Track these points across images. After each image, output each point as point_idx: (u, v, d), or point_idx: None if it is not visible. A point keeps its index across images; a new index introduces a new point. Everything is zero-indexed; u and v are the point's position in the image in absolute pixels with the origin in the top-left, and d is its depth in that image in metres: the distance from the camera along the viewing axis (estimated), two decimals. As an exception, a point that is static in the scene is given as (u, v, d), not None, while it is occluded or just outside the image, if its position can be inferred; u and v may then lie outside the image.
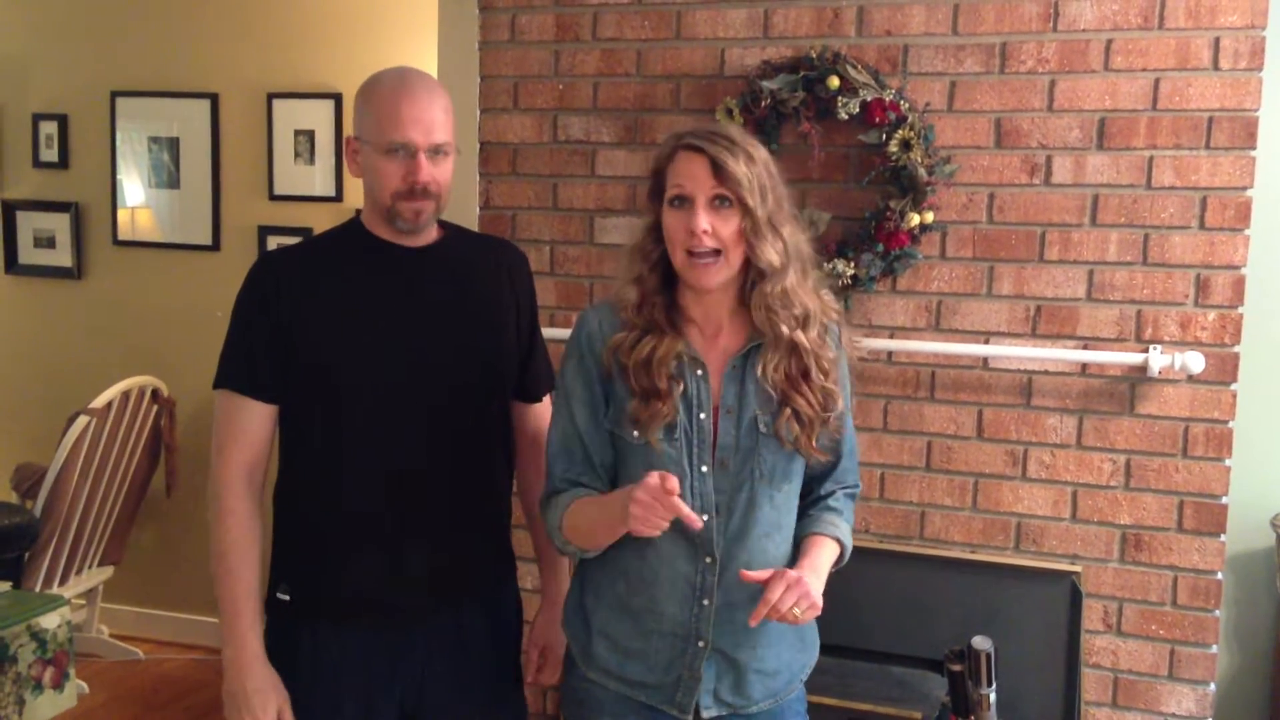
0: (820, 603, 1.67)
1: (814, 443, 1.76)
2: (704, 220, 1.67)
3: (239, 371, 1.88)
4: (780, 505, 1.78)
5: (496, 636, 2.04)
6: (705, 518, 1.71)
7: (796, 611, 1.62)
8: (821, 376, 1.75)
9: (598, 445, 1.79)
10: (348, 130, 3.96)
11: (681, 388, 1.73)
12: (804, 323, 1.74)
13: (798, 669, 1.87)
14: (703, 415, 1.74)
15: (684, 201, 1.69)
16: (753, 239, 1.69)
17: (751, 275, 1.73)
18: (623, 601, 1.80)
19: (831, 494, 1.88)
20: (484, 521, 2.03)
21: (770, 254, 1.69)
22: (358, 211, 1.97)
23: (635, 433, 1.73)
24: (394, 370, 1.88)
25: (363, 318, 1.88)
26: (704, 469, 1.73)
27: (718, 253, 1.69)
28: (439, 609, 1.95)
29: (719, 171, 1.66)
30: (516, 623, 2.11)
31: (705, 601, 1.75)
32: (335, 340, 1.87)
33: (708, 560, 1.74)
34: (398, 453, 1.89)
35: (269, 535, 1.95)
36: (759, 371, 1.74)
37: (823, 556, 1.78)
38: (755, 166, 1.69)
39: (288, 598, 1.93)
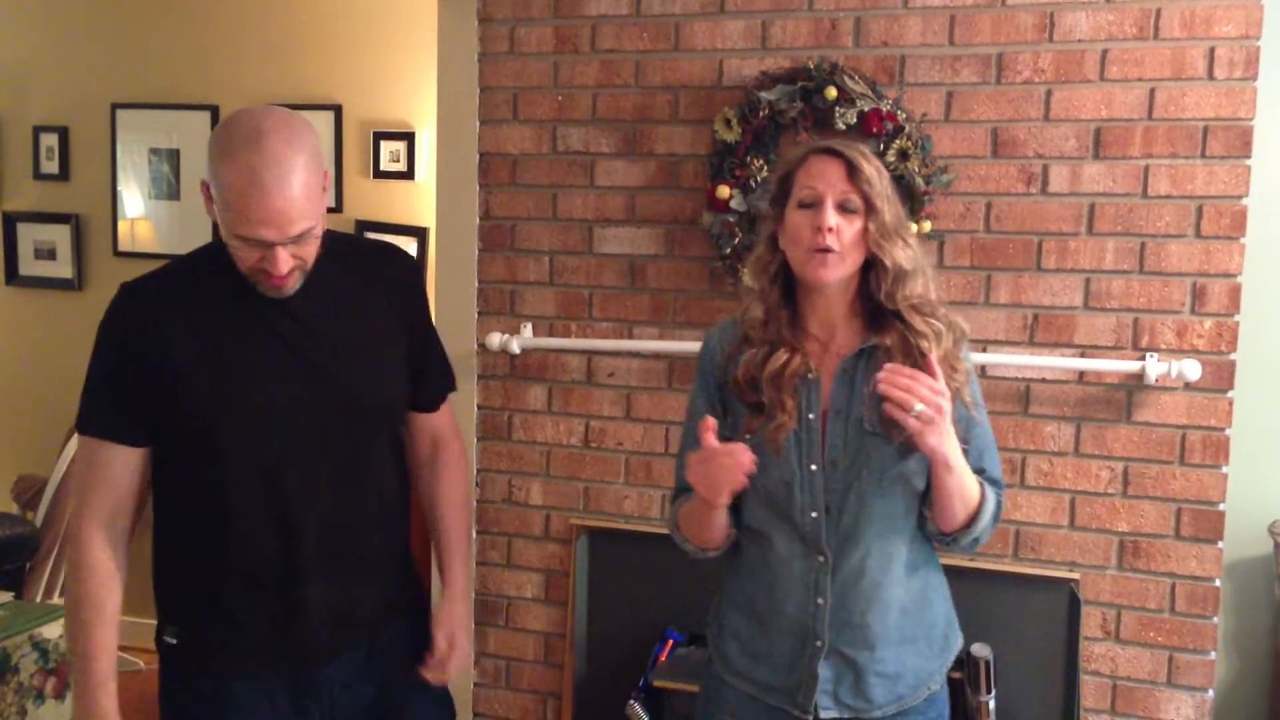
0: (940, 413, 1.60)
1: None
2: (831, 217, 1.69)
3: (102, 416, 1.75)
4: (895, 506, 1.76)
5: (414, 654, 1.93)
6: (815, 515, 1.75)
7: (918, 407, 1.58)
8: (949, 380, 1.69)
9: None
10: (346, 144, 4.02)
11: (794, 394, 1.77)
12: (939, 336, 1.72)
13: (924, 675, 1.82)
14: (811, 416, 1.76)
15: (813, 202, 1.73)
16: (882, 240, 1.71)
17: (884, 280, 1.73)
18: (750, 604, 1.85)
19: None
20: (382, 554, 1.91)
21: (901, 256, 1.72)
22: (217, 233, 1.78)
23: (749, 435, 1.76)
24: (272, 408, 1.75)
25: (235, 354, 1.75)
26: (813, 468, 1.75)
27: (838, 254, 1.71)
28: (344, 646, 1.85)
29: (853, 173, 1.70)
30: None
31: (820, 600, 1.77)
32: (207, 380, 1.73)
33: (820, 559, 1.77)
34: (282, 495, 1.76)
35: (148, 571, 1.85)
36: (869, 373, 1.73)
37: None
38: (884, 176, 1.74)
39: (175, 641, 1.81)
